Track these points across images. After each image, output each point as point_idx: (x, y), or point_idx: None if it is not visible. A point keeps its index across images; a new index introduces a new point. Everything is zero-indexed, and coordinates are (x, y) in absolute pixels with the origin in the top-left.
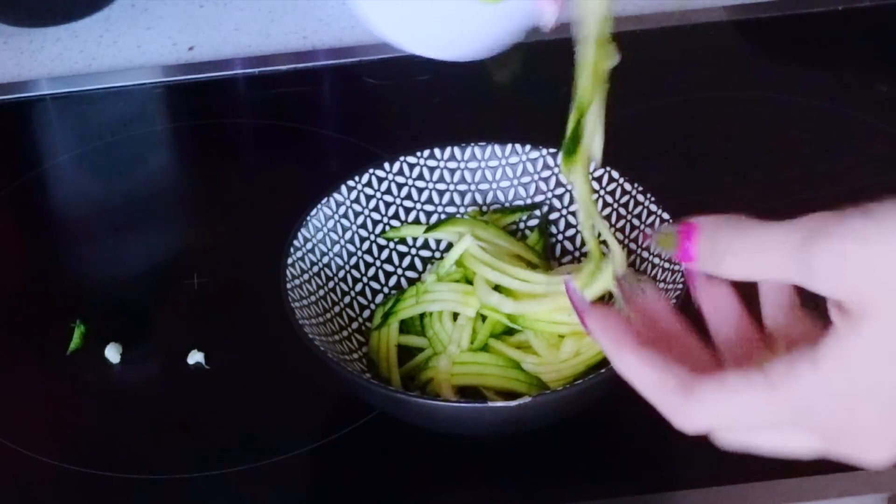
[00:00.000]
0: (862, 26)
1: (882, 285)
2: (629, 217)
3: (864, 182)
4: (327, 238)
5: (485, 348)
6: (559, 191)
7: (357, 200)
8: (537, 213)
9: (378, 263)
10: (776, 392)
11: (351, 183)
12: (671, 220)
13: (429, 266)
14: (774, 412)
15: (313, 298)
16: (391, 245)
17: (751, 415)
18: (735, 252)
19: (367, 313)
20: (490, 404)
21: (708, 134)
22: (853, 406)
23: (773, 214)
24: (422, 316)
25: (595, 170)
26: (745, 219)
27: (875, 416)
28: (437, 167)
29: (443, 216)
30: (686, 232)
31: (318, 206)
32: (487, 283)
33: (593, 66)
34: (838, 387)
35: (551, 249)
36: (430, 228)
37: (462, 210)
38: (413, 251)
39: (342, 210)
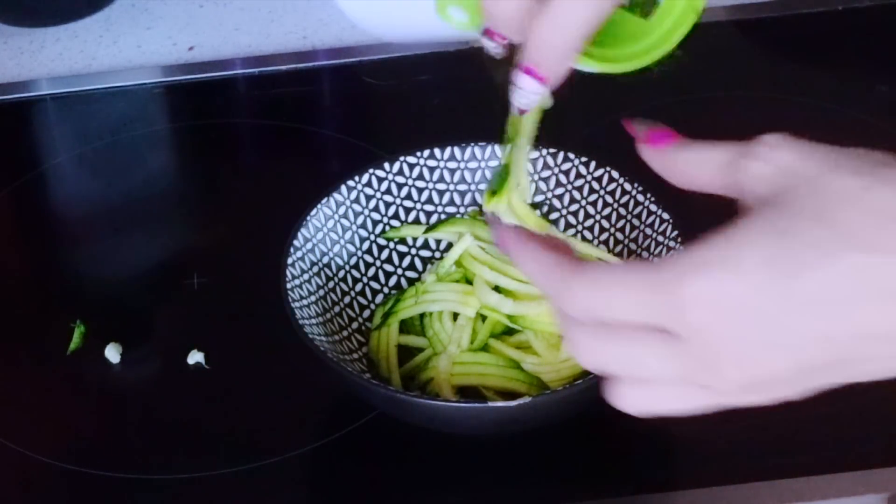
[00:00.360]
0: (862, 26)
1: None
2: (629, 217)
3: None
4: (327, 238)
5: (485, 348)
6: (559, 191)
7: (357, 200)
8: (537, 213)
9: (378, 263)
10: (662, 286)
11: (351, 183)
12: (669, 220)
13: (429, 266)
14: (654, 308)
15: (313, 298)
16: (391, 245)
17: (630, 305)
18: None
19: (367, 313)
20: (490, 404)
21: (708, 134)
22: (731, 314)
23: None
24: (422, 316)
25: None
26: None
27: (749, 332)
28: (437, 167)
29: (443, 216)
30: (667, 133)
31: (318, 206)
32: (487, 284)
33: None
34: (724, 302)
35: None
36: (429, 229)
37: (462, 210)
38: (413, 251)
39: (342, 210)
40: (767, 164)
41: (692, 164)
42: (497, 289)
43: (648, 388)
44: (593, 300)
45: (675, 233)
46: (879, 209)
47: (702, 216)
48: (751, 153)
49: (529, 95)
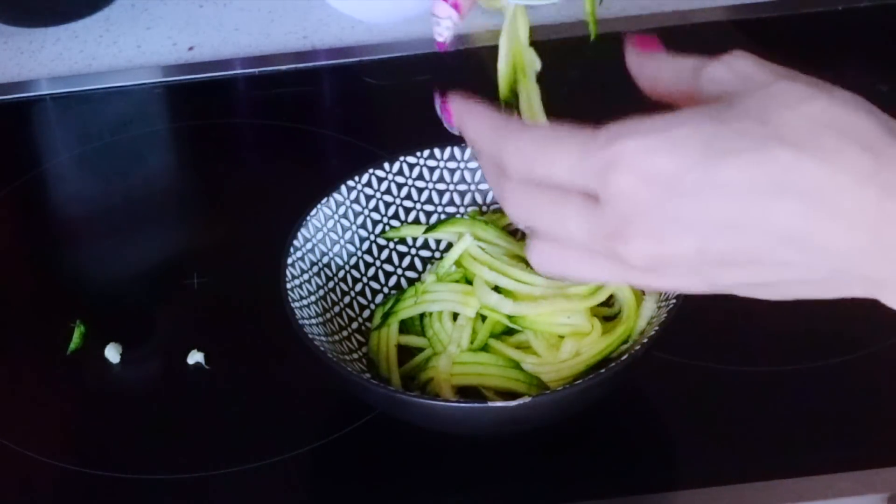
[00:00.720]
0: (862, 26)
1: None
2: None
3: None
4: (327, 238)
5: (485, 348)
6: None
7: (357, 200)
8: None
9: (378, 263)
10: (594, 142)
11: (351, 183)
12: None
13: (429, 266)
14: (583, 163)
15: (313, 298)
16: (391, 245)
17: (563, 163)
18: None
19: (367, 313)
20: (490, 404)
21: None
22: (652, 185)
23: None
24: (422, 316)
25: None
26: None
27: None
28: (437, 167)
29: (443, 216)
30: (652, 41)
31: (318, 206)
32: (487, 284)
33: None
34: (647, 168)
35: None
36: (429, 229)
37: (462, 210)
38: (413, 251)
39: (342, 210)
40: (727, 70)
41: (660, 69)
42: (497, 289)
43: (562, 249)
44: (530, 156)
45: None
46: (816, 117)
47: None
48: (714, 60)
49: (445, 22)
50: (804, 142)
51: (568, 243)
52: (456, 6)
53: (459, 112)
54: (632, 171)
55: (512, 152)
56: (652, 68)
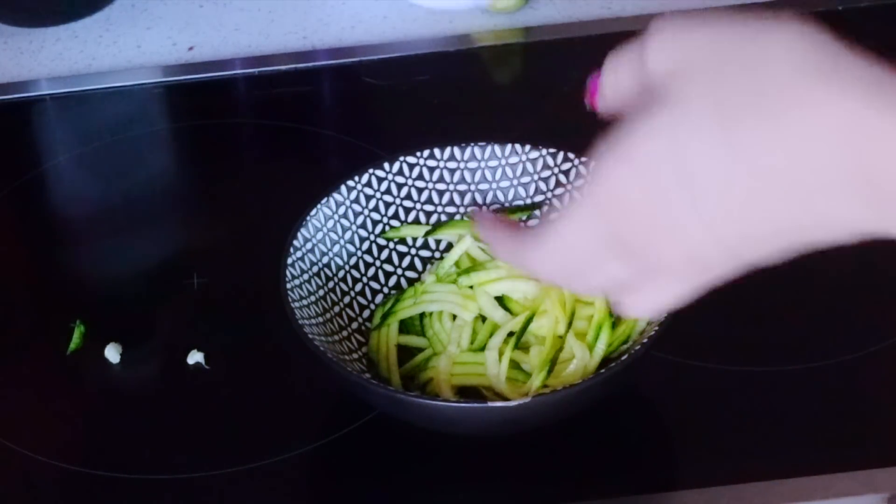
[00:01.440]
0: (862, 26)
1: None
2: None
3: None
4: (327, 238)
5: (484, 348)
6: (559, 191)
7: (357, 200)
8: (537, 213)
9: (378, 263)
10: (592, 200)
11: (351, 183)
12: None
13: (428, 266)
14: (596, 221)
15: (313, 298)
16: (391, 245)
17: (582, 235)
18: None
19: (367, 313)
20: (490, 404)
21: None
22: (648, 203)
23: None
24: (421, 316)
25: None
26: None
27: (676, 205)
28: (437, 167)
29: (443, 216)
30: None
31: (318, 206)
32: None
33: None
34: (635, 185)
35: None
36: (430, 231)
37: (462, 210)
38: (413, 251)
39: (342, 210)
40: (661, 49)
41: (612, 82)
42: (500, 299)
43: (638, 291)
44: (559, 257)
45: None
46: (765, 107)
47: None
48: (646, 39)
49: None
50: (757, 140)
51: (636, 287)
52: None
53: (485, 233)
54: (629, 202)
55: (542, 270)
56: (607, 92)
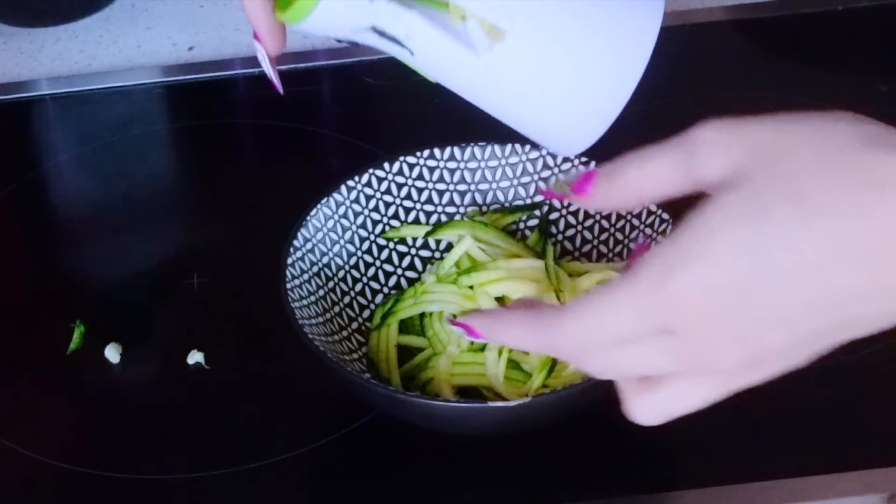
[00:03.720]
0: (862, 26)
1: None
2: (629, 217)
3: None
4: (327, 238)
5: (485, 348)
6: None
7: (357, 200)
8: (537, 213)
9: (378, 263)
10: (646, 293)
11: (351, 183)
12: (669, 220)
13: (428, 266)
14: (644, 314)
15: (313, 298)
16: (391, 245)
17: (622, 321)
18: (629, 181)
19: (367, 313)
20: (490, 404)
21: None
22: (717, 301)
23: None
24: (421, 316)
25: None
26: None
27: (737, 313)
28: (437, 167)
29: (443, 216)
30: (587, 175)
31: (318, 206)
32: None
33: None
34: (707, 293)
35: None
36: (430, 231)
37: (462, 210)
38: (413, 251)
39: (342, 210)
40: (717, 153)
41: (639, 181)
42: (500, 299)
43: (660, 390)
44: (588, 333)
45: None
46: (840, 175)
47: None
48: (695, 148)
49: (261, 55)
50: (839, 207)
51: (663, 381)
52: (258, 40)
53: (486, 329)
54: (693, 301)
55: (570, 340)
56: (627, 190)
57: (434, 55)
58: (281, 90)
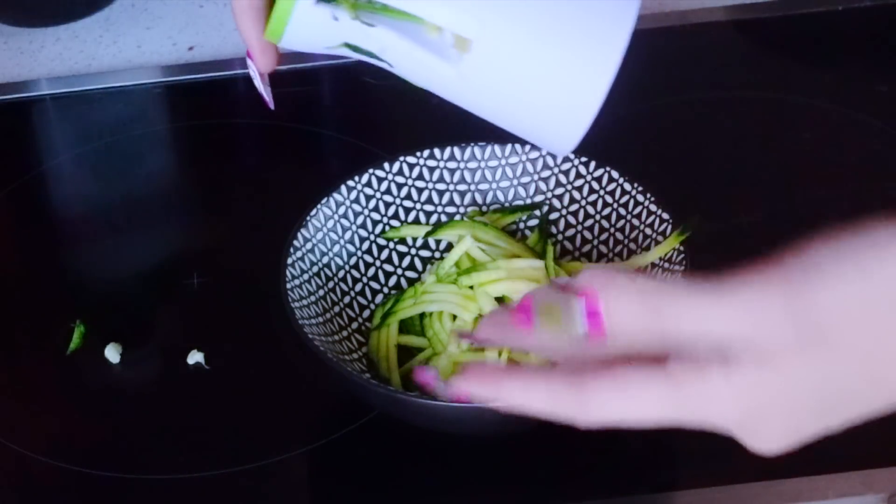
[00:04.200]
0: (862, 26)
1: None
2: (629, 217)
3: (864, 182)
4: (327, 238)
5: (485, 348)
6: (559, 191)
7: (357, 200)
8: (537, 213)
9: (378, 263)
10: (680, 390)
11: (351, 183)
12: (669, 220)
13: (428, 266)
14: (676, 408)
15: (313, 298)
16: (391, 245)
17: (650, 408)
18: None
19: (367, 313)
20: (490, 404)
21: (708, 134)
22: (757, 412)
23: (773, 216)
24: (421, 316)
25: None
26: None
27: (777, 420)
28: (437, 167)
29: (443, 216)
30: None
31: (318, 206)
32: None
33: None
34: (746, 398)
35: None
36: (430, 232)
37: (462, 210)
38: (413, 251)
39: (342, 210)
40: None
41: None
42: (500, 299)
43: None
44: (611, 414)
45: (675, 233)
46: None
47: (702, 217)
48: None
49: (254, 72)
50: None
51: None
52: (251, 57)
53: (490, 392)
54: (734, 400)
55: (589, 409)
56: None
57: (410, 66)
58: (272, 107)
